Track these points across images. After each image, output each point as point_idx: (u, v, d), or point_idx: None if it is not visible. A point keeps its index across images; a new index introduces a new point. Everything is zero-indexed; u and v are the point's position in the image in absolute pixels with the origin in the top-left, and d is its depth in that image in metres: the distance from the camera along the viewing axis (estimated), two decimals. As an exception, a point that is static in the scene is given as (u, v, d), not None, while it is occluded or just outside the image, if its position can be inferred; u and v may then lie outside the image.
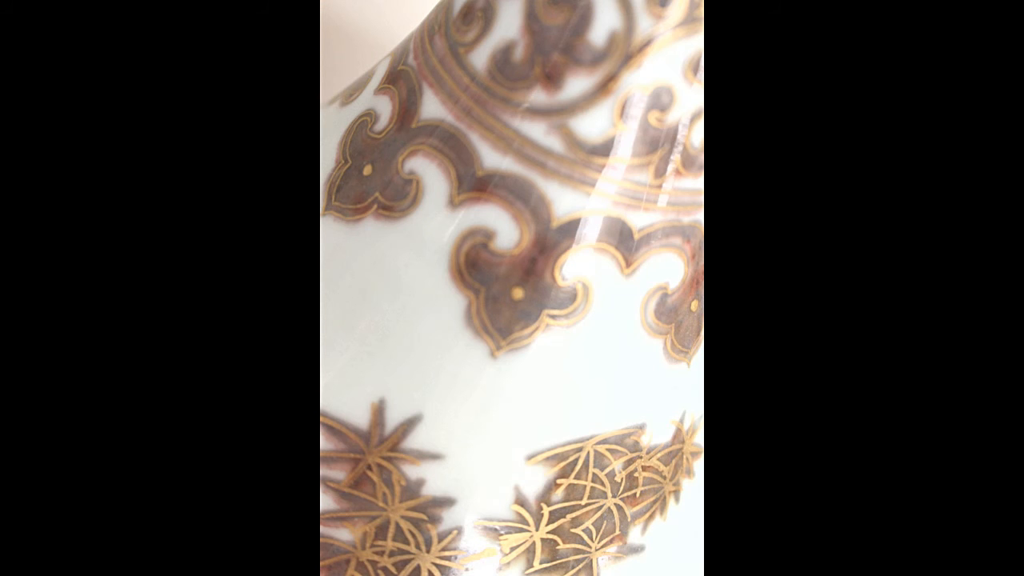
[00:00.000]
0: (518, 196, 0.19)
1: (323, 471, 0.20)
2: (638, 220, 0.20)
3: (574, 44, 0.18)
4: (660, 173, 0.19)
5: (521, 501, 0.21)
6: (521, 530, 0.21)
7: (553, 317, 0.20)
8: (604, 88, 0.19)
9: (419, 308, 0.20)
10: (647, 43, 0.18)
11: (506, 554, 0.21)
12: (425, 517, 0.20)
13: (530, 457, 0.20)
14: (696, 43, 0.18)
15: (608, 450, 0.21)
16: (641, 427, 0.21)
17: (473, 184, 0.19)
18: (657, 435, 0.22)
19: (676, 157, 0.19)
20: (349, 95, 0.23)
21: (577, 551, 0.21)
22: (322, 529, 0.20)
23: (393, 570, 0.20)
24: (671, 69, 0.18)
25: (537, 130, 0.19)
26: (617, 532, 0.22)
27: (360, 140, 0.22)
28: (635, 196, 0.19)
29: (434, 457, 0.20)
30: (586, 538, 0.21)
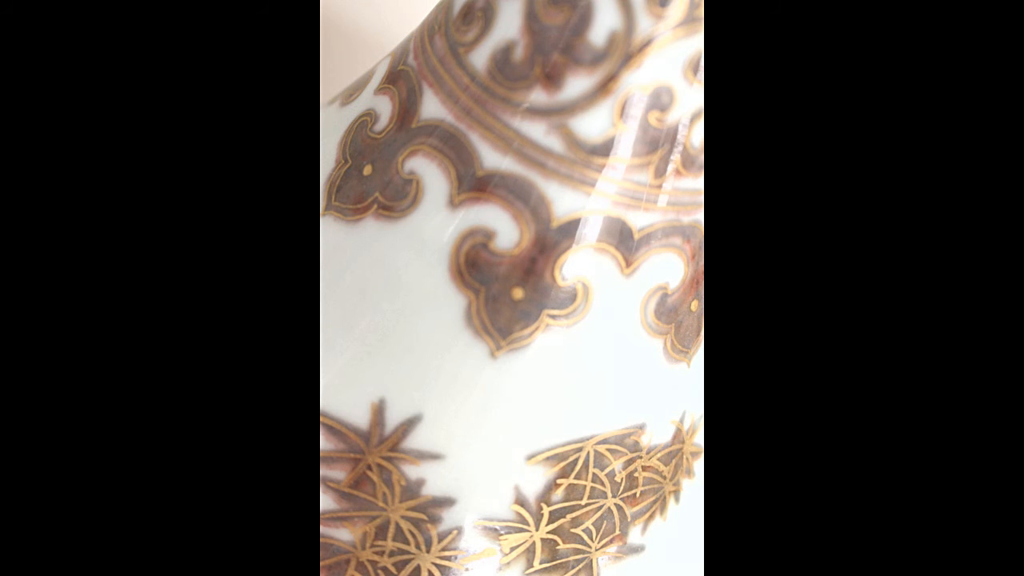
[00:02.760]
0: (518, 196, 0.19)
1: (323, 471, 0.20)
2: (638, 220, 0.20)
3: (574, 44, 0.18)
4: (660, 173, 0.19)
5: (521, 501, 0.21)
6: (521, 530, 0.21)
7: (553, 317, 0.20)
8: (604, 88, 0.19)
9: (419, 308, 0.20)
10: (647, 43, 0.18)
11: (506, 554, 0.21)
12: (425, 517, 0.20)
13: (530, 457, 0.20)
14: (696, 43, 0.18)
15: (608, 450, 0.21)
16: (641, 427, 0.21)
17: (473, 184, 0.19)
18: (657, 435, 0.22)
19: (676, 157, 0.19)
20: (349, 95, 0.23)
21: (577, 551, 0.21)
22: (322, 529, 0.20)
23: (393, 570, 0.20)
24: (671, 69, 0.18)
25: (537, 130, 0.19)
26: (617, 532, 0.22)
27: (360, 140, 0.22)
28: (635, 196, 0.19)
29: (434, 457, 0.20)
30: (586, 538, 0.21)
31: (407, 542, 0.20)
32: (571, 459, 0.21)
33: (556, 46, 0.19)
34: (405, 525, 0.20)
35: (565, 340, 0.20)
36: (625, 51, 0.18)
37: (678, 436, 0.22)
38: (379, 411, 0.20)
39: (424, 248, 0.20)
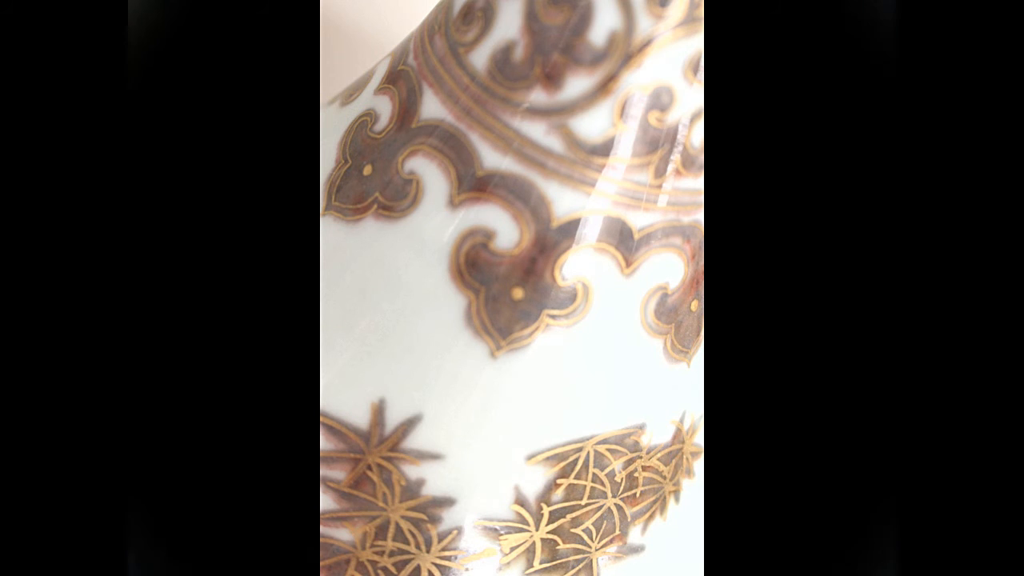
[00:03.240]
0: (518, 196, 0.19)
1: (323, 471, 0.20)
2: (638, 220, 0.20)
3: (574, 44, 0.18)
4: (660, 173, 0.19)
5: (521, 501, 0.21)
6: (521, 530, 0.21)
7: (553, 317, 0.20)
8: (604, 88, 0.19)
9: (419, 308, 0.20)
10: (647, 43, 0.18)
11: (506, 554, 0.21)
12: (425, 517, 0.20)
13: (530, 457, 0.20)
14: (696, 43, 0.18)
15: (608, 450, 0.21)
16: (641, 427, 0.21)
17: (473, 184, 0.19)
18: (657, 435, 0.22)
19: (676, 157, 0.19)
20: (349, 95, 0.23)
21: (577, 551, 0.21)
22: (322, 529, 0.20)
23: (393, 570, 0.20)
24: (671, 69, 0.18)
25: (537, 130, 0.19)
26: (617, 532, 0.22)
27: (360, 140, 0.22)
28: (635, 196, 0.19)
29: (434, 457, 0.20)
30: (586, 538, 0.21)
31: (407, 542, 0.20)
32: (571, 459, 0.21)
33: (556, 46, 0.19)
34: (405, 525, 0.20)
35: (565, 340, 0.20)
36: (625, 51, 0.18)
37: (678, 436, 0.22)
38: (379, 411, 0.20)
39: (424, 248, 0.20)
